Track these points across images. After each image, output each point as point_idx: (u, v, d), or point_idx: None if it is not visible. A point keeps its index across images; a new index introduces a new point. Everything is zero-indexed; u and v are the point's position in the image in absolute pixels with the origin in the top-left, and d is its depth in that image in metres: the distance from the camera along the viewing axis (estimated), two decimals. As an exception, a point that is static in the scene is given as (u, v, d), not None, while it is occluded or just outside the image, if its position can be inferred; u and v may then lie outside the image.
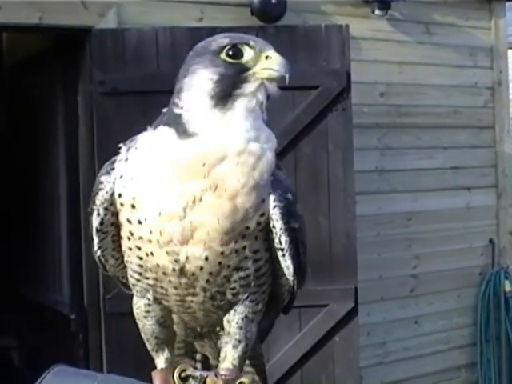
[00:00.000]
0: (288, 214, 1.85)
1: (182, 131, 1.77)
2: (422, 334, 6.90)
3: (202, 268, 1.82)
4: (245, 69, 1.79)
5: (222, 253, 1.80)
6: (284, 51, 5.55)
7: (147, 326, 1.99)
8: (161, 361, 2.05)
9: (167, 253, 1.80)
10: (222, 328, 1.98)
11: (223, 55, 1.79)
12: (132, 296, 2.03)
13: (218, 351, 2.06)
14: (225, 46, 1.79)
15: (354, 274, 5.43)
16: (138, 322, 2.02)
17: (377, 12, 6.43)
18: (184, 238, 1.78)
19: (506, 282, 7.28)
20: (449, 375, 7.14)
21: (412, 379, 6.84)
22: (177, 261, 1.81)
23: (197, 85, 1.78)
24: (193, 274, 1.83)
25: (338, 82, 5.41)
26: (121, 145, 1.91)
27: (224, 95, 1.75)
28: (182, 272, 1.83)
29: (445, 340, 7.08)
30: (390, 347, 6.71)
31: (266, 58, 1.79)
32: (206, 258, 1.80)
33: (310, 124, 5.39)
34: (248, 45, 1.79)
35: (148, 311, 1.96)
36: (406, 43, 6.76)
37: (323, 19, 6.06)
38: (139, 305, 1.97)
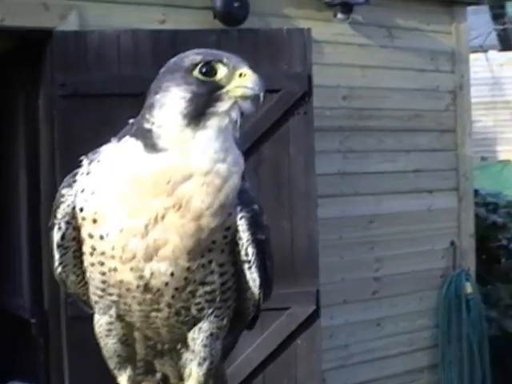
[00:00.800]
0: (255, 225, 1.83)
1: (151, 145, 1.72)
2: (385, 336, 6.93)
3: (167, 284, 1.79)
4: (218, 87, 1.75)
5: (188, 268, 1.78)
6: (246, 54, 5.55)
7: (109, 344, 1.96)
8: (123, 379, 2.02)
9: (131, 269, 1.77)
10: (185, 345, 1.95)
11: (196, 73, 1.75)
12: (93, 315, 1.99)
13: (178, 370, 2.03)
14: (198, 64, 1.75)
15: (316, 276, 5.44)
16: (100, 340, 1.98)
17: (339, 15, 6.45)
18: (148, 255, 1.75)
19: (467, 284, 7.34)
20: (411, 377, 7.19)
21: (375, 381, 6.88)
22: (141, 277, 1.78)
23: (169, 103, 1.74)
24: (158, 290, 1.80)
25: (300, 85, 5.42)
26: (82, 157, 1.87)
27: (197, 114, 1.71)
28: (147, 288, 1.80)
29: (407, 342, 7.12)
30: (352, 349, 6.74)
31: (240, 75, 1.75)
32: (172, 274, 1.78)
33: (271, 127, 5.39)
34: (221, 62, 1.75)
35: (110, 329, 1.93)
36: (369, 47, 6.79)
37: (285, 23, 6.07)
38: (101, 323, 1.94)
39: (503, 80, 21.35)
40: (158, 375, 2.14)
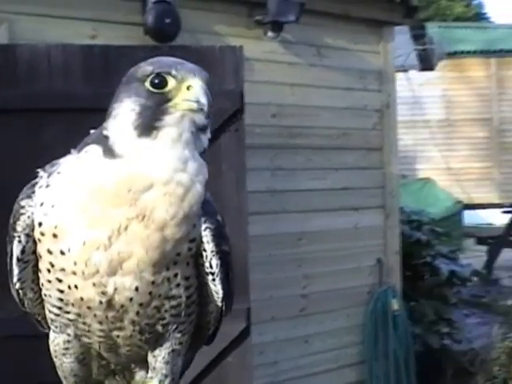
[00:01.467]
0: (219, 237, 1.83)
1: (108, 151, 1.71)
2: (313, 352, 6.97)
3: (131, 299, 1.76)
4: (167, 99, 1.74)
5: (153, 282, 1.75)
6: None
7: (65, 363, 1.92)
8: None
9: (93, 284, 1.73)
10: (140, 363, 1.93)
11: (147, 84, 1.74)
12: (47, 333, 1.95)
13: None
14: (149, 75, 1.75)
15: (247, 293, 5.43)
16: (56, 359, 1.93)
17: (269, 34, 6.50)
18: (112, 268, 1.72)
19: (394, 300, 7.45)
20: (339, 393, 7.24)
21: (303, 398, 6.90)
22: (104, 293, 1.74)
23: (122, 114, 1.73)
24: (122, 306, 1.76)
25: (232, 102, 5.42)
26: (39, 170, 1.83)
27: (147, 126, 1.71)
28: (110, 304, 1.76)
29: (334, 358, 7.17)
30: (281, 366, 6.75)
31: (188, 88, 1.75)
32: (137, 289, 1.75)
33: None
34: (170, 74, 1.75)
35: (67, 348, 1.89)
36: (298, 65, 6.85)
37: (216, 40, 6.08)
38: (57, 342, 1.90)
39: (423, 99, 21.81)
40: None
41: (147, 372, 1.95)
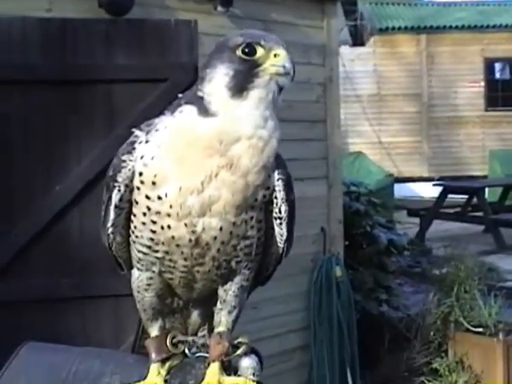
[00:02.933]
0: (288, 187, 2.06)
1: (204, 110, 1.94)
2: (261, 318, 7.14)
3: (215, 238, 1.98)
4: (257, 65, 1.97)
5: (234, 223, 1.98)
6: (134, 44, 5.66)
7: (147, 298, 2.14)
8: (155, 329, 2.19)
9: (185, 225, 1.96)
10: (205, 302, 2.17)
11: (239, 52, 1.97)
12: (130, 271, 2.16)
13: (185, 328, 2.26)
14: (240, 44, 1.97)
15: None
16: (138, 294, 2.15)
17: (219, 8, 6.65)
18: (202, 210, 1.94)
19: (337, 267, 7.69)
20: (284, 357, 7.47)
21: (250, 362, 7.10)
22: (194, 232, 1.96)
23: (216, 78, 1.96)
24: (206, 244, 1.99)
25: (186, 75, 5.55)
26: (134, 129, 2.05)
27: (239, 88, 1.94)
28: (197, 242, 1.98)
29: (282, 324, 7.40)
30: (230, 332, 6.91)
31: (275, 55, 1.98)
32: (221, 229, 1.97)
33: (158, 116, 5.51)
34: (259, 44, 1.98)
35: (150, 284, 2.11)
36: (246, 39, 6.98)
37: (167, 14, 6.20)
38: (141, 278, 2.11)
39: (354, 74, 22.13)
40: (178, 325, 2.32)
41: (203, 312, 2.22)
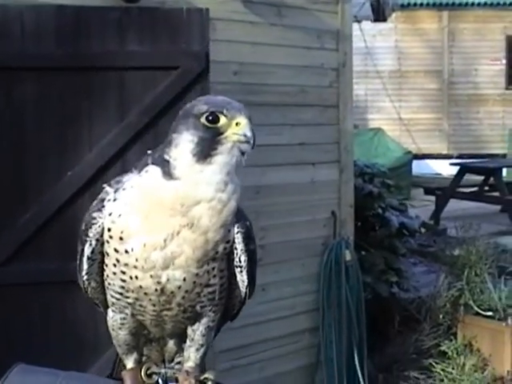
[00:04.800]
0: (247, 238, 2.26)
1: (168, 173, 2.10)
2: (269, 300, 7.23)
3: (180, 287, 2.18)
4: (220, 132, 2.12)
5: (197, 274, 2.18)
6: (145, 32, 5.72)
7: (121, 335, 2.35)
8: (130, 362, 2.41)
9: (151, 276, 2.16)
10: (177, 335, 2.38)
11: (203, 120, 2.11)
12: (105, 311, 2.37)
13: (162, 355, 2.47)
14: (204, 113, 2.12)
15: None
16: (112, 331, 2.36)
17: (232, -6, 6.70)
18: (166, 264, 2.14)
19: (347, 251, 7.75)
20: (294, 339, 7.57)
21: (259, 343, 7.22)
22: (159, 282, 2.17)
23: (181, 143, 2.12)
24: (171, 293, 2.19)
25: (198, 63, 5.64)
26: (105, 185, 2.23)
27: (204, 154, 2.10)
28: (163, 291, 2.18)
29: (290, 306, 7.49)
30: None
31: (237, 124, 2.13)
32: (184, 279, 2.17)
33: (169, 103, 5.61)
34: (222, 113, 2.12)
35: (123, 323, 2.32)
36: (260, 24, 7.04)
37: (180, 0, 6.25)
38: (115, 318, 2.32)
39: (375, 50, 22.04)
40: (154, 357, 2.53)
41: (178, 341, 2.41)
